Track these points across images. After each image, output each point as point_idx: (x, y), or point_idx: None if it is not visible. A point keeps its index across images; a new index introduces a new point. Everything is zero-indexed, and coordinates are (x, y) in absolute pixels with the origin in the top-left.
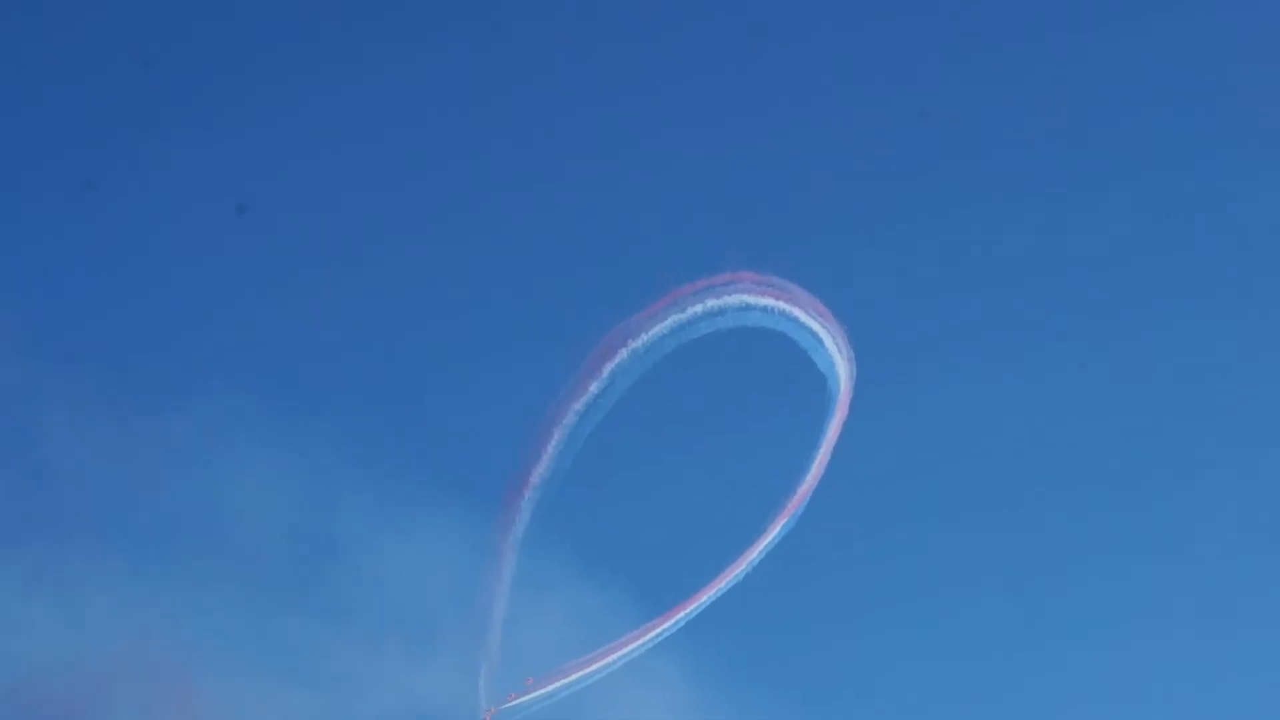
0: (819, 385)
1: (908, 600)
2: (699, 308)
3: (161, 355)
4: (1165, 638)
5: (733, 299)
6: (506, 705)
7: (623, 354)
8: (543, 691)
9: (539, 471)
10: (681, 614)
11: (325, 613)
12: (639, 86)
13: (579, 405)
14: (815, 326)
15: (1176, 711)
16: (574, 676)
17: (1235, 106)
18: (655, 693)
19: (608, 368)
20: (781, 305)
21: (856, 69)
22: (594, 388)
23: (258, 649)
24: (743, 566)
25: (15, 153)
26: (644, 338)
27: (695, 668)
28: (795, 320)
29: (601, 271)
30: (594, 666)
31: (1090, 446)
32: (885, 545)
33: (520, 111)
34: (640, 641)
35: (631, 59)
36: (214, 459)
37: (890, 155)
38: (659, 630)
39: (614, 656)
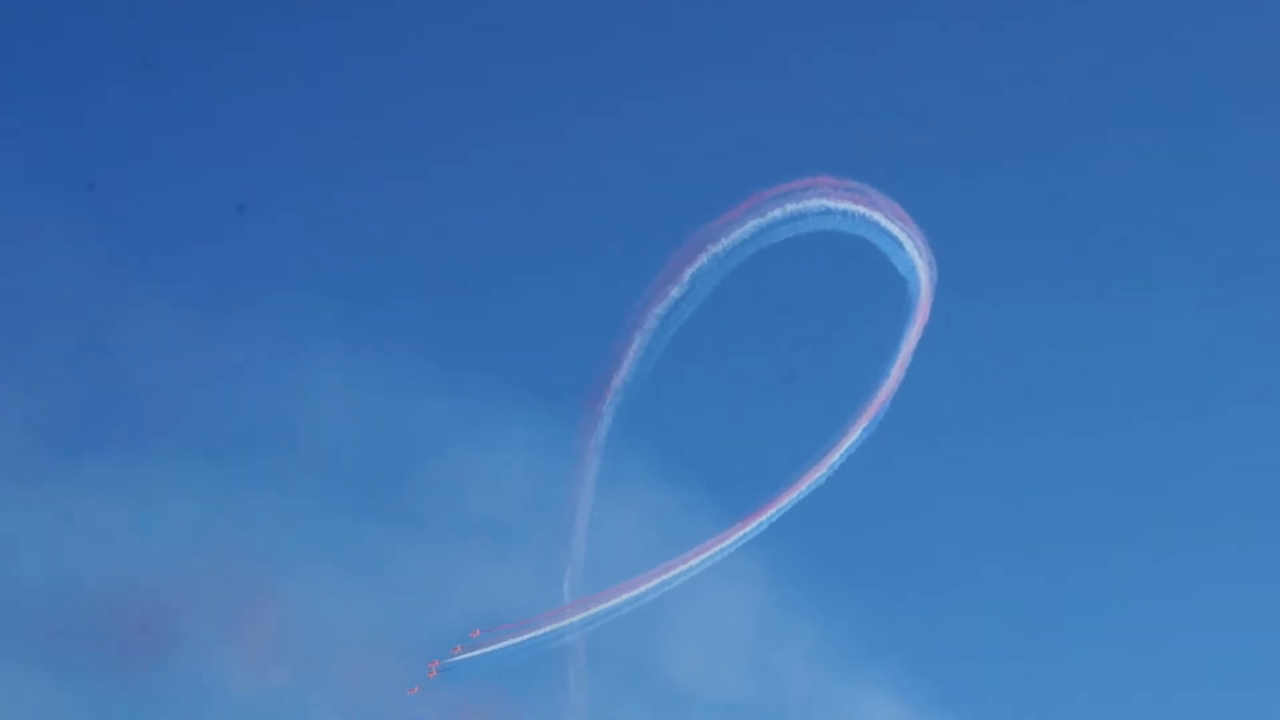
0: (899, 290)
1: (985, 507)
2: (779, 212)
3: (238, 259)
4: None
5: (812, 203)
6: (452, 659)
7: (703, 258)
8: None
9: (620, 376)
10: (762, 518)
11: (405, 518)
12: None
13: (660, 310)
14: (895, 231)
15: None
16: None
17: None
18: (736, 594)
19: (688, 272)
20: (861, 209)
21: None
22: (675, 292)
23: (338, 554)
24: (822, 471)
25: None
26: (724, 242)
27: (775, 571)
28: (875, 224)
29: (682, 176)
30: (674, 571)
31: (1181, 358)
32: (962, 451)
33: (601, 19)
34: (720, 546)
35: None
36: (291, 364)
37: (970, 58)
38: (739, 534)
39: (694, 561)
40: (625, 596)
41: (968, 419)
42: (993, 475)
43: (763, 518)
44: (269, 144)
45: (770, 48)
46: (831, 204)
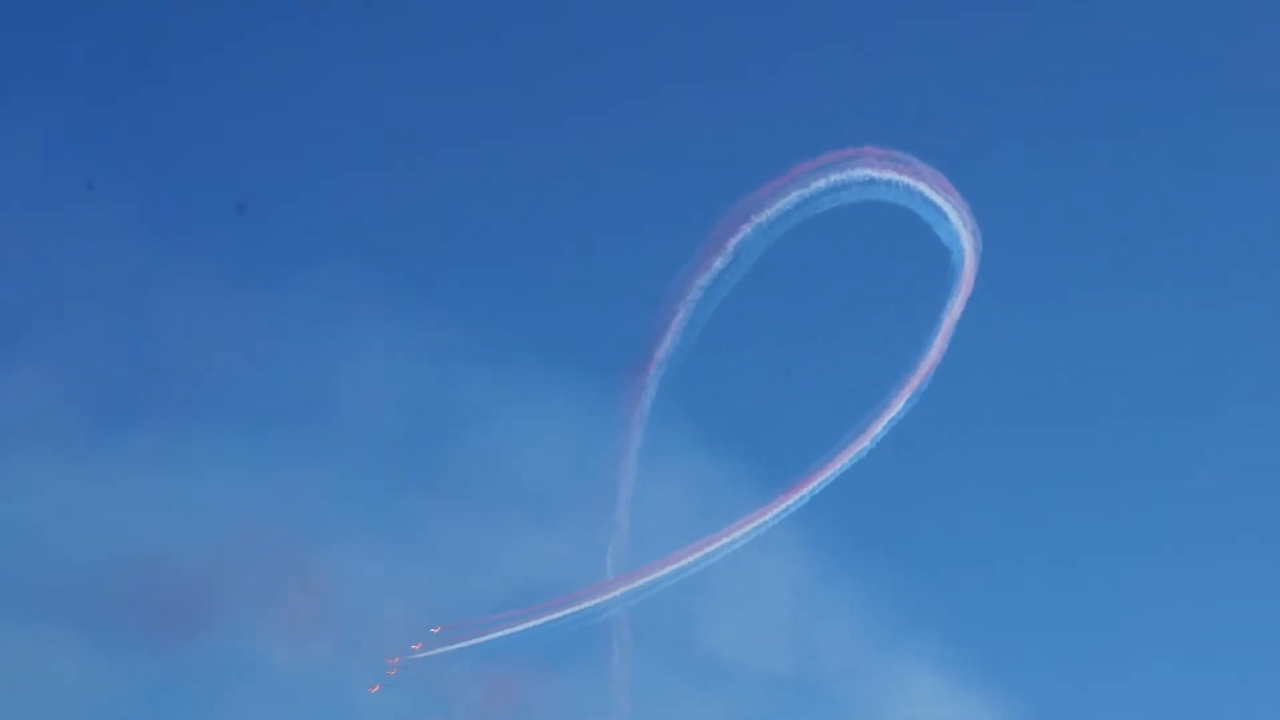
0: (942, 261)
1: (1028, 479)
2: (823, 182)
3: (280, 229)
4: None
5: (857, 173)
6: (412, 655)
7: (747, 229)
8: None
9: (664, 347)
10: (804, 490)
11: (446, 488)
12: None
13: (703, 280)
14: (940, 201)
15: None
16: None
17: None
18: (778, 566)
19: (732, 243)
20: (906, 180)
21: None
22: (718, 263)
23: (379, 525)
24: (864, 443)
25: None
26: (768, 212)
27: (817, 542)
28: (920, 195)
29: (726, 146)
30: (717, 544)
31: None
32: (1005, 423)
33: None
34: (763, 519)
35: None
36: (333, 334)
37: (1019, 27)
38: (782, 507)
39: (737, 533)
40: (668, 569)
41: (1010, 392)
42: (1036, 448)
43: (805, 490)
44: (309, 116)
45: (817, 17)
46: (876, 174)
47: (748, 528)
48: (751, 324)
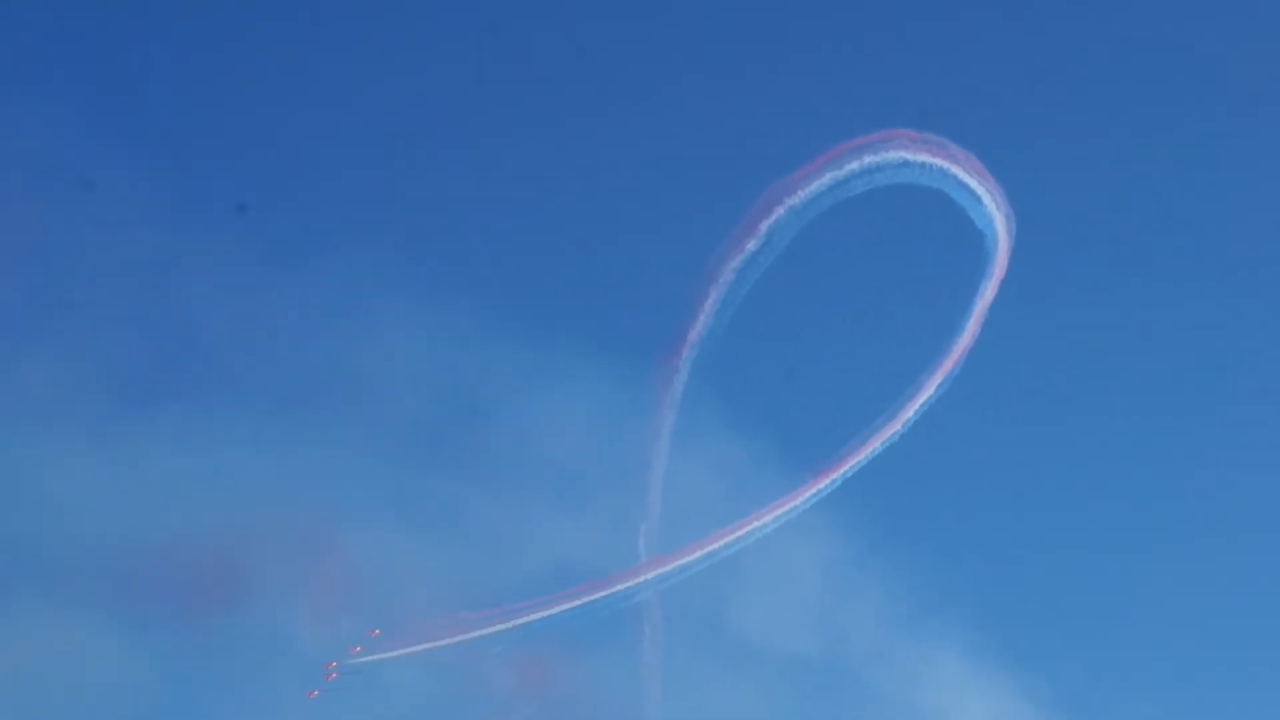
0: (976, 244)
1: (1057, 465)
2: (856, 165)
3: (306, 210)
4: None
5: (890, 156)
6: (351, 659)
7: (780, 211)
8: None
9: (696, 330)
10: (836, 474)
11: (475, 470)
12: None
13: (736, 263)
14: (973, 184)
15: None
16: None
17: None
18: (807, 549)
19: (765, 225)
20: (939, 162)
21: None
22: (751, 245)
23: (407, 506)
24: (896, 427)
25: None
26: (801, 195)
27: (846, 526)
28: (953, 178)
29: (760, 129)
30: (748, 528)
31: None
32: (1036, 408)
33: None
34: (794, 502)
35: None
36: (360, 315)
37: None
38: (813, 490)
39: (768, 517)
40: (700, 553)
41: (1042, 377)
42: (1066, 434)
43: (837, 473)
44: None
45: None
46: (910, 156)
47: (779, 511)
48: (784, 307)
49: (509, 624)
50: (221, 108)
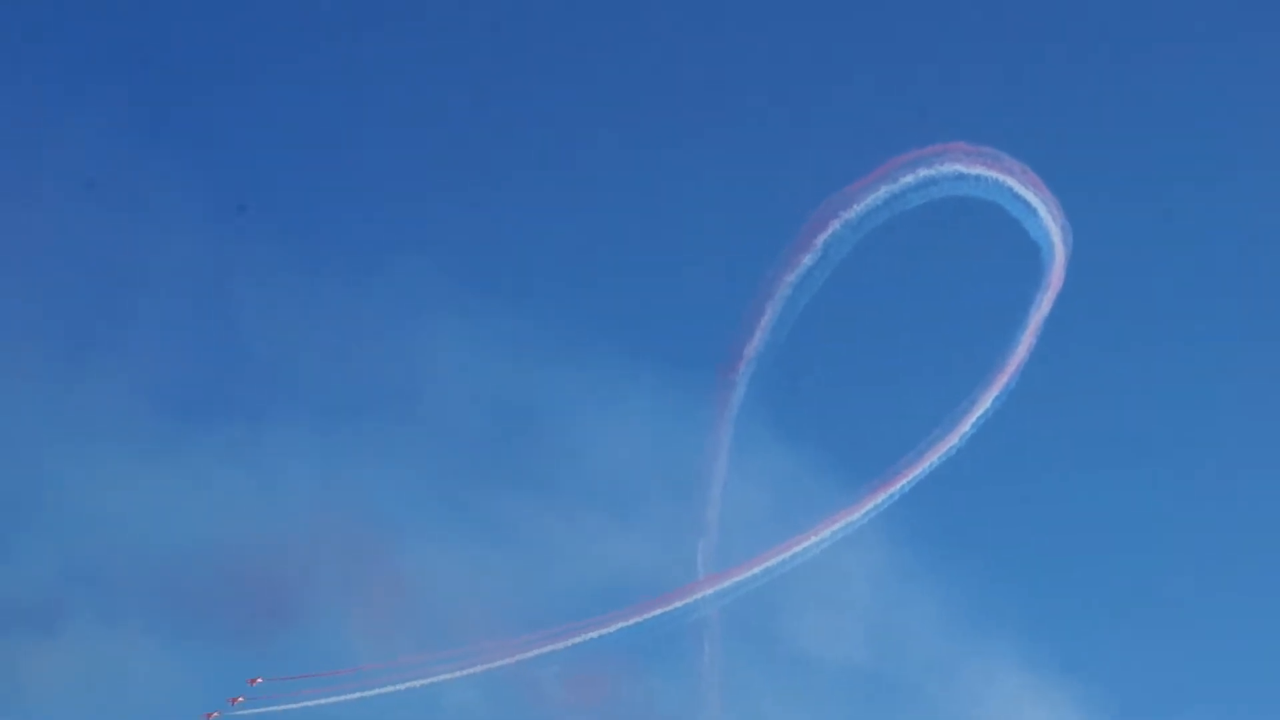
0: (1032, 257)
1: (1113, 479)
2: (912, 178)
3: (361, 224)
4: None
5: (946, 169)
6: (231, 709)
7: (835, 226)
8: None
9: (753, 345)
10: (892, 488)
11: (530, 485)
12: None
13: (792, 278)
14: (1029, 196)
15: None
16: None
17: None
18: (863, 563)
19: (821, 240)
20: (995, 175)
21: None
22: (807, 260)
23: (461, 521)
24: (953, 441)
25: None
26: (857, 209)
27: (902, 540)
28: (1009, 190)
29: (816, 143)
30: (805, 544)
31: None
32: (1091, 422)
33: None
34: (851, 518)
35: None
36: (414, 329)
37: (1109, 25)
38: (870, 505)
39: (825, 532)
40: (758, 569)
41: (1099, 390)
42: (1122, 446)
43: (894, 487)
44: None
45: (907, 16)
46: (965, 169)
47: (836, 525)
48: (840, 321)
49: (566, 643)
50: (283, 127)
